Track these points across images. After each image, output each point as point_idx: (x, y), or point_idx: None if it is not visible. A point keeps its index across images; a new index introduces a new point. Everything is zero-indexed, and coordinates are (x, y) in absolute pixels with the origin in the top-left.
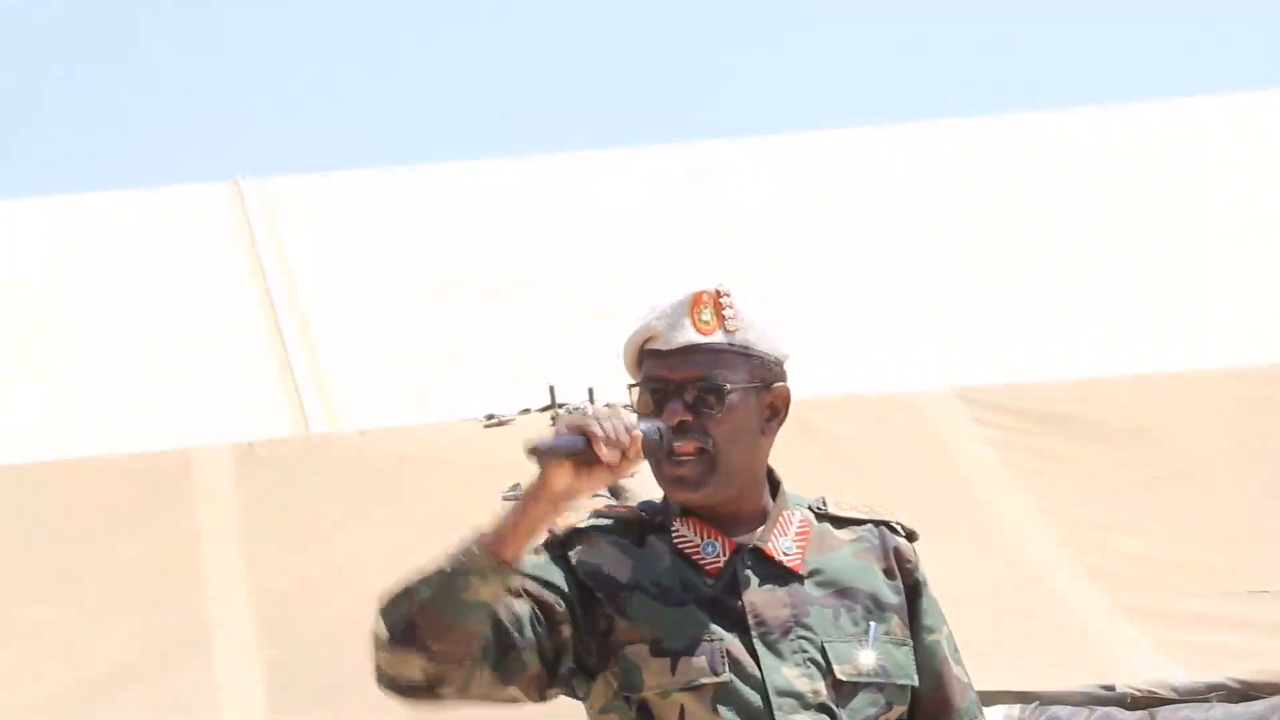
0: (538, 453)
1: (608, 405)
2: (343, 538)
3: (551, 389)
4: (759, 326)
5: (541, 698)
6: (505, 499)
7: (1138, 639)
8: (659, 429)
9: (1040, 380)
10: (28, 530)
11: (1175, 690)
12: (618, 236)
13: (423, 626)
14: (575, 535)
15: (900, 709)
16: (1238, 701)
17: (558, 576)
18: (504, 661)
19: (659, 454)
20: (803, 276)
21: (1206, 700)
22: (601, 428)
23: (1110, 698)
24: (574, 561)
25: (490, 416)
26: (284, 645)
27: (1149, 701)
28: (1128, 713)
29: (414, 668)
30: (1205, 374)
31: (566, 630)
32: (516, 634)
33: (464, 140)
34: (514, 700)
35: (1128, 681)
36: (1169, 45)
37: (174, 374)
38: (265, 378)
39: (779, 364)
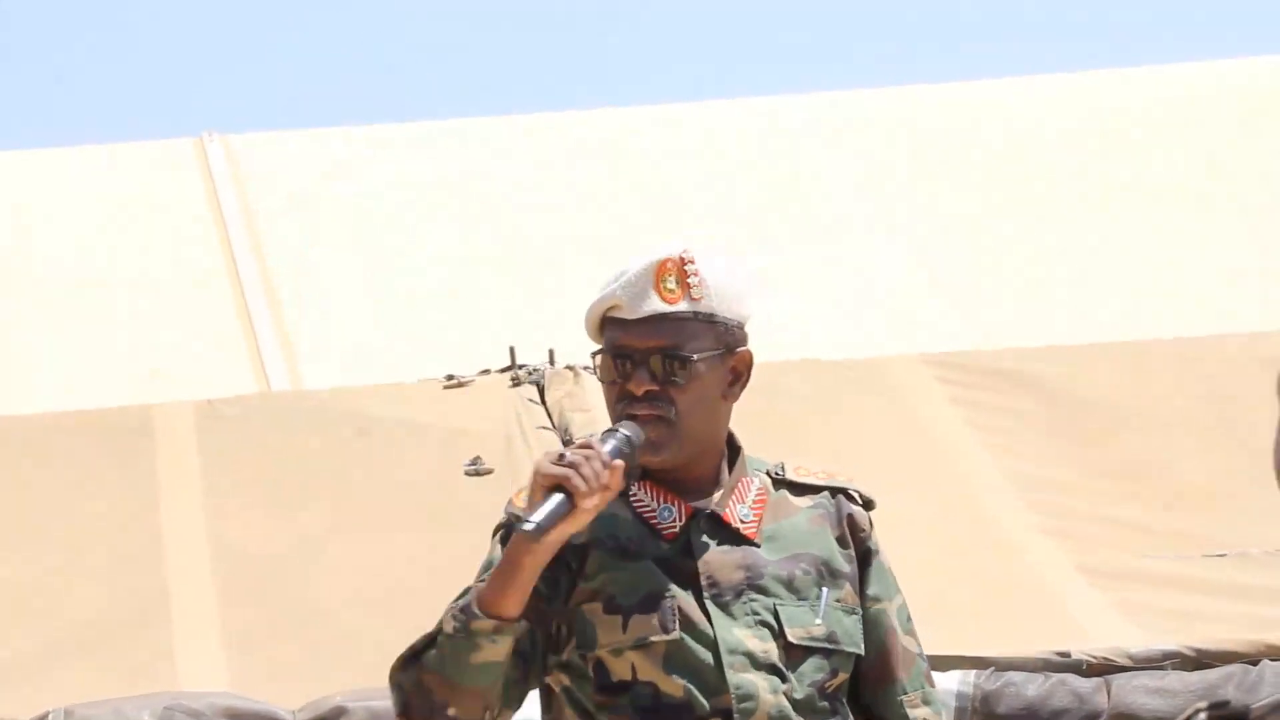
0: (535, 535)
1: (581, 445)
2: (303, 497)
3: (511, 350)
4: (723, 292)
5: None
6: (467, 473)
7: (1098, 601)
8: (629, 439)
9: (1005, 346)
10: None
11: (1131, 658)
12: (590, 197)
13: (437, 691)
14: None
15: (844, 676)
16: (1192, 670)
17: None
18: (517, 692)
19: (621, 417)
20: (770, 239)
21: (1162, 668)
22: (583, 479)
23: (1066, 664)
24: None
25: (450, 377)
26: (244, 606)
27: (1104, 669)
28: (1083, 679)
29: None
30: (1166, 342)
31: (550, 619)
32: (524, 664)
33: (436, 98)
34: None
35: (1084, 649)
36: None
37: (136, 330)
38: (228, 335)
39: (741, 327)
